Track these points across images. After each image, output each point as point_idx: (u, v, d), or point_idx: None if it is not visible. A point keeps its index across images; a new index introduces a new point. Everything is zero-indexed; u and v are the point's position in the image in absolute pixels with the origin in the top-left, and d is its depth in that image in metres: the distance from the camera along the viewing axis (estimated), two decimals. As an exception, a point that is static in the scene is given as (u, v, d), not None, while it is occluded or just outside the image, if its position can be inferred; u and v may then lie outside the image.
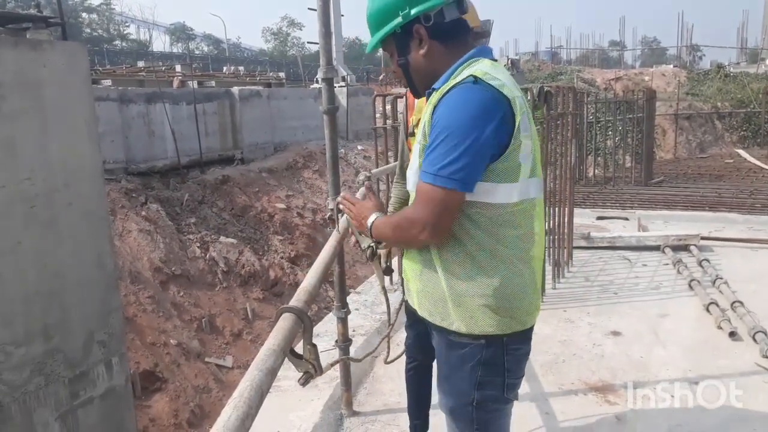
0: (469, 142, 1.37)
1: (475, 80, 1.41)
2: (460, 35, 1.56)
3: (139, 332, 7.32)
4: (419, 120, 2.40)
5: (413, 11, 1.50)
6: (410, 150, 2.47)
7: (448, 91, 1.43)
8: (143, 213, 9.19)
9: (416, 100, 2.42)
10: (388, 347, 2.63)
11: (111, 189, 9.01)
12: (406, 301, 1.80)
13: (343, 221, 2.16)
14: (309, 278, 1.65)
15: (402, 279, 1.80)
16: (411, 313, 2.16)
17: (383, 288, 2.26)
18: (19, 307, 4.03)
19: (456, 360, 1.57)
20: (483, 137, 1.38)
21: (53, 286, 4.23)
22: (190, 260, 9.14)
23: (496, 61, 1.57)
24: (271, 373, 1.12)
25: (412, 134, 2.39)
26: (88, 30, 49.52)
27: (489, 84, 1.41)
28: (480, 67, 1.45)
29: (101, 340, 4.59)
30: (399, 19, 1.51)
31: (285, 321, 1.32)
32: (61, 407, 4.33)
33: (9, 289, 3.96)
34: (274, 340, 1.22)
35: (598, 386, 3.12)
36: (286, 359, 1.26)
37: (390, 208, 2.71)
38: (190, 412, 6.76)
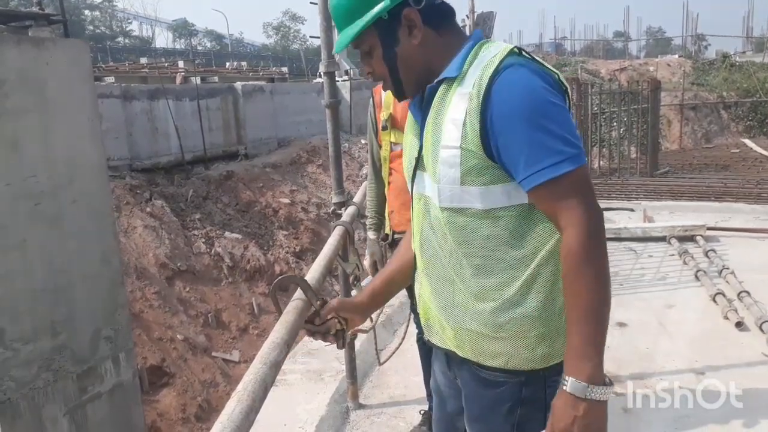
0: (560, 116, 1.17)
1: (519, 53, 1.22)
2: (450, 19, 1.32)
3: (145, 328, 7.36)
4: (390, 115, 2.40)
5: None
6: (381, 146, 2.47)
7: (494, 78, 1.17)
8: (148, 209, 9.22)
9: (383, 97, 2.41)
10: (377, 350, 2.63)
11: (116, 186, 9.04)
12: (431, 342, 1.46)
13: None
14: (312, 272, 1.65)
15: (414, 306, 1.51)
16: (413, 294, 1.76)
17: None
18: (26, 304, 4.06)
19: (489, 400, 1.33)
20: (566, 111, 1.20)
21: (59, 283, 4.25)
22: (196, 256, 9.18)
23: None
24: (276, 367, 1.12)
25: (384, 128, 2.38)
26: (91, 27, 49.58)
27: (535, 60, 1.23)
28: (502, 45, 1.25)
29: (108, 335, 4.61)
30: (386, 2, 1.24)
31: (289, 315, 1.32)
32: (70, 403, 4.35)
33: (16, 286, 3.98)
34: (278, 333, 1.22)
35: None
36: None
37: (368, 213, 2.66)
38: (197, 407, 6.80)
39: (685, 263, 4.97)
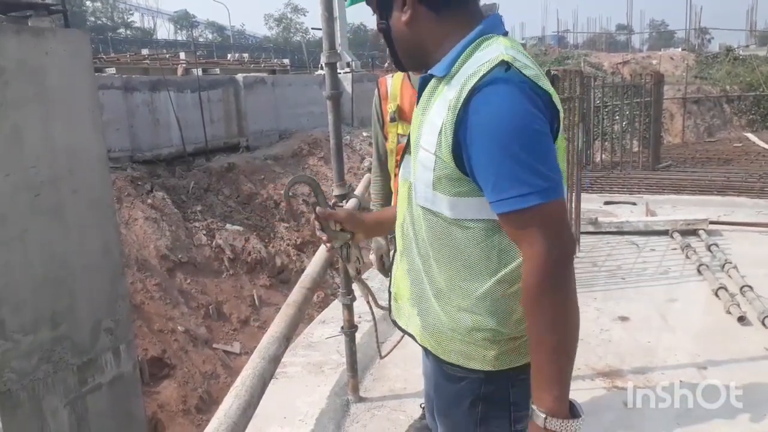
0: (537, 144, 1.09)
1: (508, 67, 1.10)
2: (460, 4, 1.20)
3: (146, 319, 7.36)
4: (398, 107, 2.37)
5: None
6: (386, 139, 2.45)
7: (473, 92, 1.09)
8: (149, 201, 9.21)
9: (390, 89, 2.39)
10: (378, 343, 2.62)
11: (117, 177, 9.02)
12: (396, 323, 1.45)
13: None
14: (313, 265, 1.63)
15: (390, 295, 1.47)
16: None
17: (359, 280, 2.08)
18: (26, 295, 4.05)
19: (452, 394, 1.33)
20: (547, 138, 1.11)
21: (60, 274, 4.25)
22: (197, 248, 9.17)
23: (508, 36, 1.22)
24: (274, 361, 1.10)
25: (392, 120, 2.34)
26: (92, 18, 49.44)
27: (524, 75, 1.10)
28: (500, 49, 1.12)
29: (108, 327, 4.61)
30: None
31: (289, 308, 1.30)
32: (70, 394, 4.36)
33: (16, 277, 3.98)
34: (277, 327, 1.20)
35: (606, 372, 3.11)
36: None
37: (373, 206, 2.64)
38: (198, 398, 6.81)
39: (687, 257, 4.95)
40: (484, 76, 1.08)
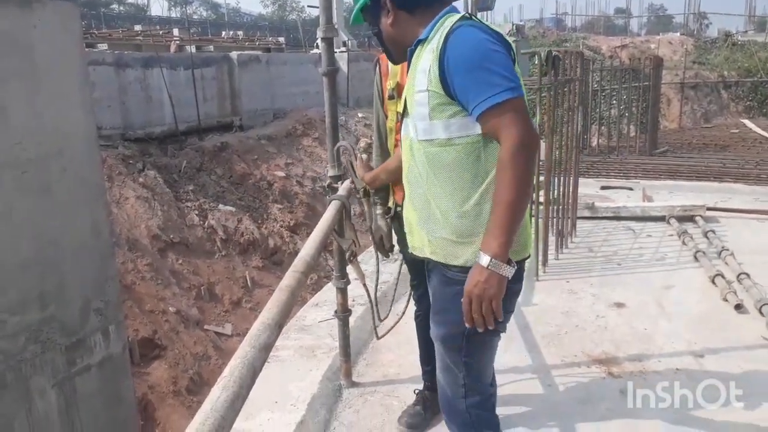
0: (499, 59, 1.50)
1: (469, 18, 1.59)
2: (425, 3, 1.67)
3: (137, 300, 7.29)
4: (397, 84, 2.31)
5: None
6: (387, 117, 2.38)
7: (448, 36, 1.53)
8: (140, 180, 9.09)
9: (390, 66, 2.32)
10: (374, 323, 2.57)
11: (108, 155, 8.89)
12: (408, 256, 1.91)
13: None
14: (307, 248, 1.56)
15: (401, 234, 1.91)
16: (415, 270, 2.37)
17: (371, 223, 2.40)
18: (13, 275, 3.96)
19: (451, 296, 1.65)
20: (505, 56, 1.52)
21: (48, 254, 4.16)
22: (189, 228, 9.08)
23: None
24: (265, 349, 1.04)
25: (391, 97, 2.30)
26: (84, -7, 48.54)
27: (482, 22, 1.60)
28: (461, 14, 1.63)
29: (98, 308, 4.53)
30: None
31: (281, 293, 1.23)
32: (58, 375, 4.29)
33: (3, 256, 3.88)
34: (268, 313, 1.14)
35: (602, 359, 3.08)
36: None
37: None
38: (189, 380, 6.76)
39: (684, 243, 4.92)
40: (454, 24, 1.56)
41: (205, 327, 7.80)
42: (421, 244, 1.75)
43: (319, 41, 2.43)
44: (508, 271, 1.49)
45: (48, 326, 4.19)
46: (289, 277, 1.31)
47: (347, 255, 2.25)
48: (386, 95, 2.33)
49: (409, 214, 1.79)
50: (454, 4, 1.73)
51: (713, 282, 3.99)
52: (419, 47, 1.64)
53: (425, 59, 1.59)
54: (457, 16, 1.60)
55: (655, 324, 3.48)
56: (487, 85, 1.47)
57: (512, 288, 1.62)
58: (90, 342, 4.53)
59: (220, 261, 9.03)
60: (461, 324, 1.60)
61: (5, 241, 3.91)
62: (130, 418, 4.96)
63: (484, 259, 1.47)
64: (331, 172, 2.49)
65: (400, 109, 2.29)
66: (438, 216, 1.65)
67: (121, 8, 50.79)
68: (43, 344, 4.18)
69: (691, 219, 5.59)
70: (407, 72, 1.75)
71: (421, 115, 1.61)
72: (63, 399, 4.36)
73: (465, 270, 1.59)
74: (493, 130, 1.50)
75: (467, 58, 1.49)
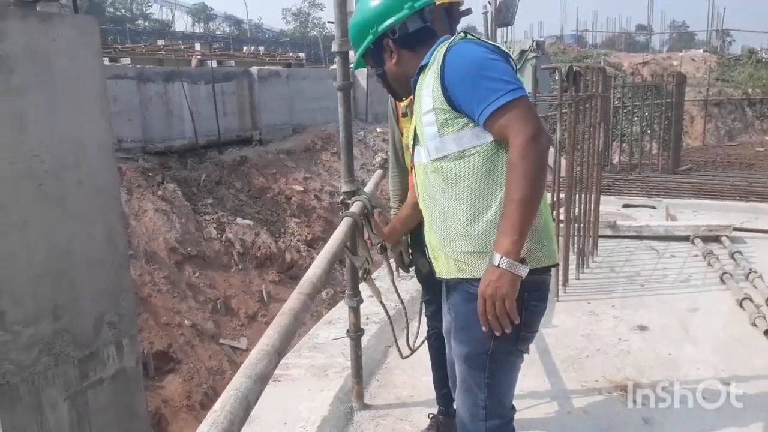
0: (497, 67, 1.53)
1: (464, 36, 1.62)
2: (425, 40, 1.72)
3: (153, 312, 7.28)
4: (411, 101, 2.27)
5: (380, 28, 1.73)
6: (402, 134, 2.36)
7: (446, 54, 1.57)
8: (159, 193, 9.13)
9: None
10: (396, 343, 2.49)
11: (128, 168, 8.96)
12: (422, 268, 1.95)
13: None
14: (315, 268, 1.50)
15: (414, 258, 2.05)
16: (428, 285, 2.38)
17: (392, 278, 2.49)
18: (27, 286, 3.95)
19: (474, 312, 1.58)
20: (504, 63, 1.55)
21: (62, 265, 4.14)
22: (206, 241, 9.09)
23: None
24: (262, 380, 0.97)
25: (404, 115, 2.29)
26: (111, 9, 49.61)
27: (478, 38, 1.64)
28: (457, 34, 1.66)
29: (111, 321, 4.50)
30: (370, 37, 1.76)
31: (283, 317, 1.16)
32: (71, 388, 4.25)
33: (17, 267, 3.87)
34: (268, 339, 1.07)
35: (624, 385, 2.95)
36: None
37: (392, 203, 2.58)
38: (203, 394, 6.72)
39: (709, 265, 4.76)
40: (450, 43, 1.60)
41: (221, 341, 7.76)
42: (446, 267, 1.72)
43: (335, 54, 2.38)
44: (522, 270, 1.46)
45: (61, 339, 4.17)
46: (294, 300, 1.24)
47: (360, 273, 2.18)
48: (400, 113, 2.33)
49: (431, 240, 1.77)
50: (469, 19, 1.79)
51: (741, 306, 3.84)
52: (422, 74, 1.68)
53: (428, 82, 1.63)
54: (454, 37, 1.64)
55: (680, 349, 3.34)
56: (488, 91, 1.49)
57: (537, 306, 1.63)
58: (103, 355, 4.50)
59: (237, 274, 9.02)
60: (486, 342, 1.60)
61: (20, 252, 3.91)
62: (142, 433, 4.91)
63: (496, 258, 1.46)
64: (344, 188, 2.43)
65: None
66: (457, 230, 1.63)
67: (147, 24, 51.77)
68: (56, 357, 4.15)
69: (716, 239, 5.42)
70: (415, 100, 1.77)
71: (431, 135, 1.63)
72: (75, 412, 4.33)
73: None
74: (502, 131, 1.51)
75: (466, 69, 1.53)
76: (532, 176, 1.45)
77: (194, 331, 7.46)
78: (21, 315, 3.91)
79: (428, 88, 1.61)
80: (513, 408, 1.83)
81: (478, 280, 1.57)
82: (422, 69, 1.68)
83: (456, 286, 1.72)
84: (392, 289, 4.21)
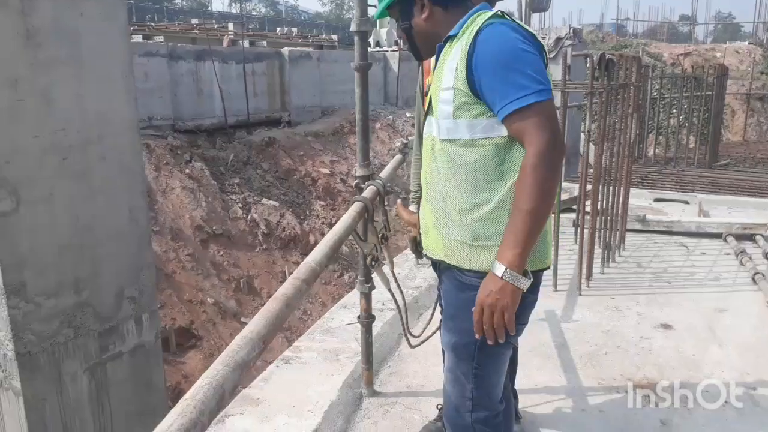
0: (529, 60, 1.45)
1: (501, 15, 1.53)
2: (460, 1, 1.64)
3: (177, 289, 7.37)
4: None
5: None
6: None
7: (478, 33, 1.48)
8: (187, 171, 9.21)
9: (432, 63, 2.22)
10: (405, 332, 2.44)
11: (156, 145, 9.05)
12: (426, 255, 1.83)
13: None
14: (316, 252, 1.45)
15: (420, 235, 1.84)
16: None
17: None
18: (50, 258, 4.01)
19: (465, 301, 1.59)
20: (536, 57, 1.47)
21: (85, 239, 4.20)
22: (232, 220, 9.15)
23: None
24: (241, 368, 0.93)
25: (427, 93, 2.20)
26: (149, -13, 50.05)
27: (514, 20, 1.53)
28: (493, 11, 1.56)
29: (132, 296, 4.56)
30: None
31: (274, 302, 1.11)
32: (90, 360, 4.33)
33: (41, 240, 3.93)
34: (254, 326, 1.02)
35: (643, 384, 2.85)
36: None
37: (412, 187, 2.52)
38: (222, 372, 6.78)
39: (741, 264, 4.59)
40: (485, 21, 1.50)
41: (242, 320, 7.83)
42: (435, 246, 1.71)
43: (354, 34, 2.31)
44: (524, 283, 1.44)
45: (81, 311, 4.24)
46: (288, 285, 1.19)
47: (368, 260, 2.13)
48: (426, 91, 2.24)
49: (425, 215, 1.75)
50: (504, 3, 1.69)
51: (772, 308, 3.69)
52: (448, 44, 1.59)
53: (453, 56, 1.54)
54: (489, 14, 1.54)
55: (705, 350, 3.22)
56: (514, 86, 1.42)
57: (528, 298, 1.58)
58: (123, 329, 4.57)
59: (261, 254, 9.07)
60: (474, 332, 1.56)
61: (45, 224, 3.97)
62: (160, 406, 4.98)
63: (499, 269, 1.43)
64: (359, 172, 2.38)
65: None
66: (453, 217, 1.61)
67: (184, 3, 52.16)
68: (77, 329, 4.23)
69: (750, 238, 5.23)
70: (434, 69, 1.69)
71: (445, 114, 1.56)
72: (94, 384, 4.41)
73: (480, 275, 1.55)
74: (518, 133, 1.46)
75: (496, 56, 1.45)
76: (544, 189, 1.40)
77: (216, 309, 7.54)
78: (43, 287, 3.97)
79: (452, 63, 1.54)
80: (503, 401, 1.80)
81: (467, 270, 1.60)
82: (449, 39, 1.59)
83: (446, 270, 1.71)
84: (410, 276, 4.19)
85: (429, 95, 1.69)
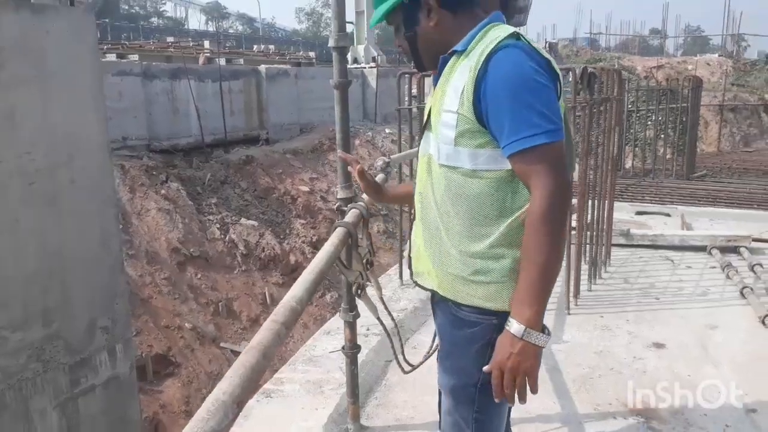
0: (543, 94, 1.33)
1: (518, 38, 1.36)
2: (469, 5, 1.49)
3: (153, 314, 7.14)
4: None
5: None
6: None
7: (490, 56, 1.34)
8: (163, 191, 9.00)
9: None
10: (396, 357, 2.31)
11: (131, 166, 8.84)
12: (416, 282, 1.67)
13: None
14: (296, 288, 1.32)
15: (410, 260, 1.70)
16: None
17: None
18: (16, 289, 3.82)
19: (462, 339, 1.51)
20: (551, 90, 1.35)
21: (54, 268, 4.01)
22: (209, 242, 8.95)
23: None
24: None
25: None
26: (126, 6, 49.75)
27: (531, 45, 1.38)
28: (508, 30, 1.40)
29: (104, 325, 4.36)
30: None
31: (248, 355, 0.98)
32: (61, 395, 4.12)
33: (5, 270, 3.75)
34: (227, 384, 0.88)
35: (640, 408, 2.75)
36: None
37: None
38: (201, 399, 6.53)
39: (728, 277, 4.54)
40: (499, 43, 1.34)
41: (221, 344, 7.61)
42: (426, 270, 1.59)
43: (332, 50, 2.20)
44: (543, 341, 1.33)
45: (51, 344, 4.04)
46: (266, 331, 1.06)
47: (354, 289, 2.00)
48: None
49: (417, 237, 1.62)
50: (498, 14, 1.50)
51: (764, 323, 3.63)
52: (454, 58, 1.45)
53: (460, 76, 1.40)
54: (503, 32, 1.38)
55: (699, 369, 3.13)
56: (524, 123, 1.31)
57: None
58: (95, 361, 4.36)
59: (240, 276, 8.87)
60: (474, 374, 1.46)
61: (8, 253, 3.77)
62: (136, 441, 4.77)
63: (518, 329, 1.32)
64: (341, 194, 2.25)
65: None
66: (450, 250, 1.49)
67: (160, 21, 51.88)
68: (46, 363, 4.02)
69: (735, 250, 5.20)
70: (435, 82, 1.55)
71: (446, 139, 1.43)
72: (65, 420, 4.19)
73: (480, 310, 1.45)
74: (523, 175, 1.35)
75: (507, 86, 1.32)
76: (556, 239, 1.32)
77: (194, 334, 7.32)
78: (8, 319, 3.77)
79: (458, 83, 1.39)
80: None
81: (464, 305, 1.49)
82: (455, 53, 1.44)
83: (439, 302, 1.59)
84: (394, 297, 4.05)
85: (428, 108, 1.55)
